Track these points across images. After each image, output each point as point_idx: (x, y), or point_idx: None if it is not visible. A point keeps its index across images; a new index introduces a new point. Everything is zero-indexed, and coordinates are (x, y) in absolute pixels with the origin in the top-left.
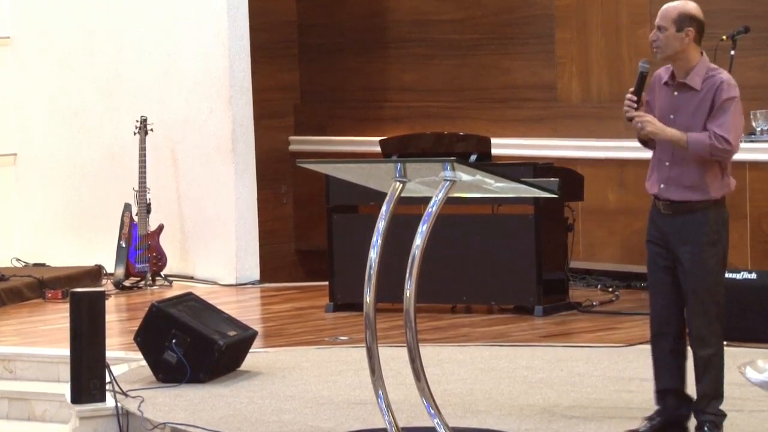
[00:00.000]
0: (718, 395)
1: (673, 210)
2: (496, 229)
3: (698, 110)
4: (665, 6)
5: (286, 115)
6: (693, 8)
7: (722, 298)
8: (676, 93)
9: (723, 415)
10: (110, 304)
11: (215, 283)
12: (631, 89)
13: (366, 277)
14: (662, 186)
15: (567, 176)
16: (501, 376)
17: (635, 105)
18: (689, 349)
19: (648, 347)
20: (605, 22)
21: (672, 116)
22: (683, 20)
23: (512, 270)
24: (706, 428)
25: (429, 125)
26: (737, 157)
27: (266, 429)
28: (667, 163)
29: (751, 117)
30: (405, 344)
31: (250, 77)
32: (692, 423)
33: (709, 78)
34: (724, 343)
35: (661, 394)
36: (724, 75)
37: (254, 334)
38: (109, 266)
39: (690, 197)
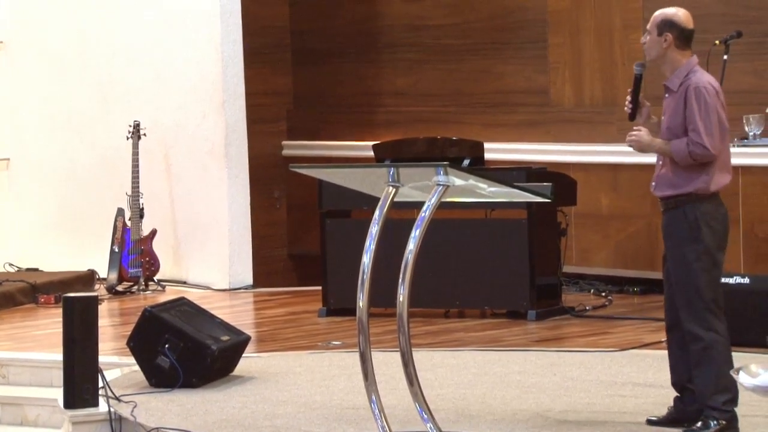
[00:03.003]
0: (720, 389)
1: (663, 207)
2: (489, 234)
3: (675, 111)
4: (656, 11)
5: (279, 120)
6: (677, 15)
7: (710, 293)
8: (666, 95)
9: (730, 411)
10: (103, 308)
11: (208, 288)
12: (629, 90)
13: (359, 282)
14: (653, 184)
15: (560, 181)
16: (494, 381)
17: (631, 106)
18: None
19: (640, 352)
20: (598, 27)
21: (663, 117)
22: (663, 26)
23: (505, 274)
24: (712, 423)
25: (422, 130)
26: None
27: None
28: (660, 162)
29: (744, 122)
30: (398, 349)
31: (243, 82)
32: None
33: (685, 81)
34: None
35: (675, 387)
36: (697, 77)
37: (247, 338)
38: (102, 271)
39: (669, 192)
